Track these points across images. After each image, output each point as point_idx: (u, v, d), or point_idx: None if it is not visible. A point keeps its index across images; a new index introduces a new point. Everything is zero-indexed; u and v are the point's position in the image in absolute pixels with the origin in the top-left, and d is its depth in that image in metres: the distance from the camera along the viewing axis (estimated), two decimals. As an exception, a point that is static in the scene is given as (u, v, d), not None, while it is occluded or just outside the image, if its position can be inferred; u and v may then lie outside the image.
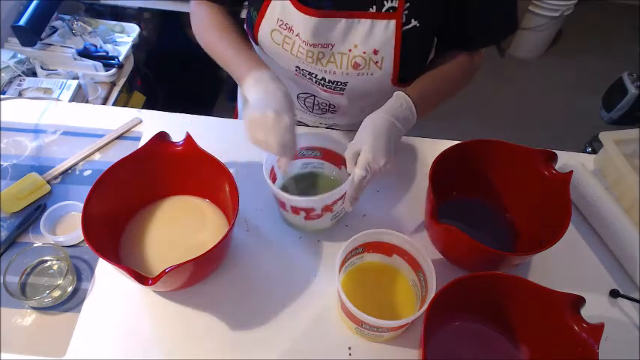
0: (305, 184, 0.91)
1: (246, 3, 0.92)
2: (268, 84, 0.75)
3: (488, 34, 0.87)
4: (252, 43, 0.91)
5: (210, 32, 0.86)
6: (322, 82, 0.89)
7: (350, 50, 0.82)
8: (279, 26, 0.82)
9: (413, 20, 0.79)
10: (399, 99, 0.80)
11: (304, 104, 1.00)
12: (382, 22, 0.79)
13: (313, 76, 0.88)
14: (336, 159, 0.87)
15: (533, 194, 0.85)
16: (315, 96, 0.96)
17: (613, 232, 0.88)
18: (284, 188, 0.88)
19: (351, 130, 0.79)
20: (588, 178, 0.94)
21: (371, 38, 0.80)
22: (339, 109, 0.97)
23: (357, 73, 0.85)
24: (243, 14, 0.98)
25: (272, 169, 0.84)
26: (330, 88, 0.90)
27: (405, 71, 0.86)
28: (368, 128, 0.76)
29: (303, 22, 0.79)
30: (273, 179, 0.84)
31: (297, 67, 0.88)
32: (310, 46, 0.82)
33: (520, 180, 0.86)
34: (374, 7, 0.78)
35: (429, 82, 0.87)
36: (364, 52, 0.82)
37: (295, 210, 0.81)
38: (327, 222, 0.85)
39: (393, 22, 0.79)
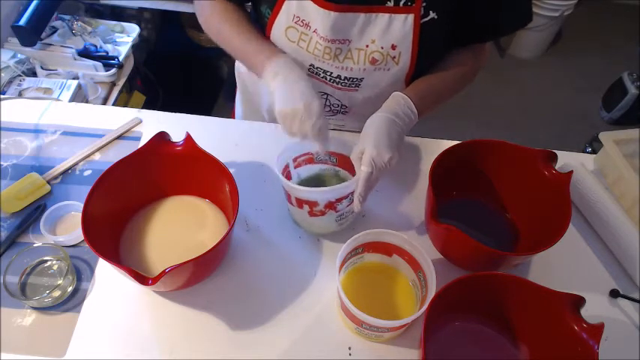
0: (319, 185, 0.90)
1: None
2: (288, 74, 0.78)
3: (502, 24, 0.85)
4: None
5: (221, 26, 0.87)
6: (337, 79, 0.89)
7: (367, 46, 0.82)
8: (295, 23, 0.82)
9: (431, 12, 0.78)
10: (396, 98, 0.82)
11: None
12: (400, 17, 0.78)
13: (328, 74, 0.88)
14: (352, 166, 0.86)
15: (533, 194, 0.85)
16: (327, 95, 0.95)
17: (613, 232, 0.88)
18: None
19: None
20: (588, 178, 0.94)
21: (389, 33, 0.80)
22: (351, 109, 0.97)
23: (374, 68, 0.85)
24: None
25: (286, 166, 0.84)
26: (345, 86, 0.90)
27: (422, 65, 0.85)
28: (369, 128, 0.78)
29: (321, 18, 0.79)
30: (287, 177, 0.84)
31: (311, 65, 0.87)
32: (328, 42, 0.81)
33: (520, 180, 0.86)
34: (391, 0, 0.78)
35: (428, 81, 0.87)
36: (382, 48, 0.82)
37: (299, 203, 0.80)
38: (332, 223, 0.84)
39: (411, 16, 0.78)
